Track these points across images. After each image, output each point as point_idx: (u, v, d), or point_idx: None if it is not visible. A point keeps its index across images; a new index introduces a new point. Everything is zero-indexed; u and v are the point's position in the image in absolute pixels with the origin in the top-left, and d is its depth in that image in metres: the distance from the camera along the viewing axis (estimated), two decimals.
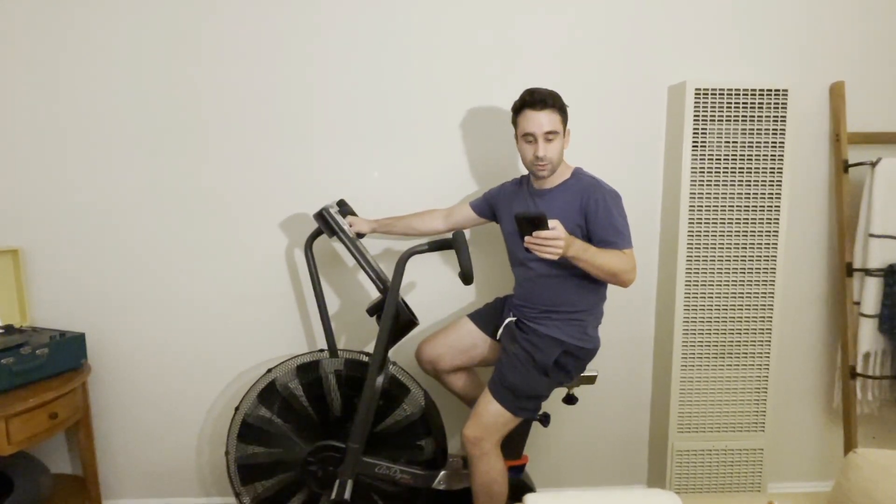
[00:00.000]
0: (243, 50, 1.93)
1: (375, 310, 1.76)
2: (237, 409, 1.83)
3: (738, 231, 2.00)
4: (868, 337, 2.03)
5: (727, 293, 2.03)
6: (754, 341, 2.05)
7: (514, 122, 1.64)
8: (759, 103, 1.94)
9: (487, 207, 1.85)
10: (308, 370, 1.82)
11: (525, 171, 1.76)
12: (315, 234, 1.85)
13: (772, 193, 1.98)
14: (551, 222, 1.36)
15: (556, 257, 1.39)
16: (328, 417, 1.83)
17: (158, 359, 2.05)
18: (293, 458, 1.81)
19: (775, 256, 2.01)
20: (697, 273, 2.01)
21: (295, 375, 1.82)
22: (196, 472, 2.13)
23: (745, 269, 2.02)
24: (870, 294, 2.01)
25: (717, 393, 2.07)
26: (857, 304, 2.05)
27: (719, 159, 1.96)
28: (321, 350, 1.89)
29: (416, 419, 1.84)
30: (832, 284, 2.17)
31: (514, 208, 1.73)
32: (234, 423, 1.83)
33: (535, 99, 1.56)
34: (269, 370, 1.84)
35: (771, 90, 1.93)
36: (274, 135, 1.98)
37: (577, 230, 1.59)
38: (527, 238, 1.38)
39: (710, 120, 1.94)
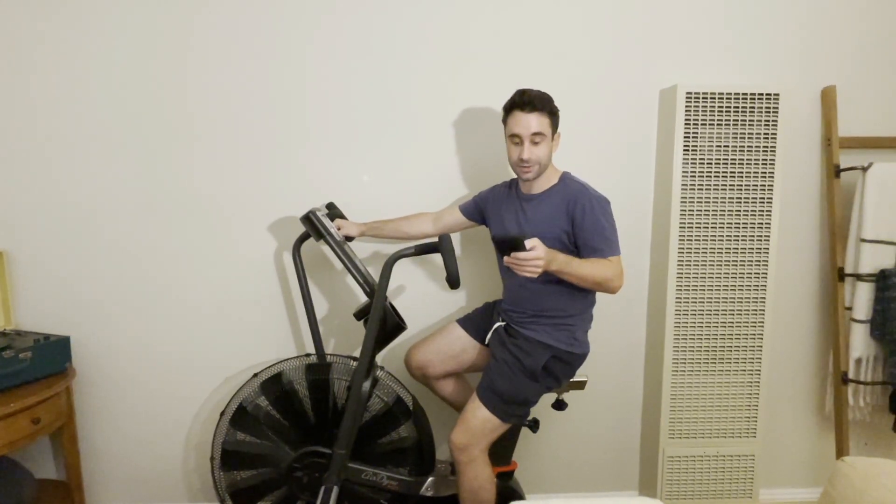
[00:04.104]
0: (233, 51, 1.92)
1: (363, 314, 1.74)
2: (223, 413, 1.81)
3: (730, 235, 1.99)
4: (860, 342, 2.02)
5: (718, 298, 2.02)
6: (745, 346, 2.04)
7: (504, 122, 1.64)
8: (751, 107, 1.93)
9: (477, 211, 1.84)
10: (317, 371, 1.82)
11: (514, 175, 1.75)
12: (303, 238, 1.84)
13: (763, 198, 1.97)
14: (529, 242, 1.36)
15: (535, 276, 1.39)
16: (323, 421, 1.82)
17: (145, 363, 2.03)
18: (279, 456, 1.79)
19: (766, 261, 2.00)
20: (688, 277, 2.00)
21: (303, 374, 1.81)
22: (182, 478, 2.11)
23: (736, 273, 2.00)
24: (861, 299, 2.00)
25: (709, 399, 2.06)
26: (849, 309, 2.05)
27: (710, 163, 1.95)
28: (307, 354, 1.87)
29: (408, 445, 1.84)
30: (823, 289, 2.16)
31: (502, 213, 1.72)
32: (219, 427, 1.81)
33: (525, 100, 1.56)
34: (256, 374, 1.82)
35: (762, 94, 1.92)
36: (263, 136, 1.96)
37: (564, 236, 1.58)
38: (506, 259, 1.39)
39: (702, 124, 1.93)
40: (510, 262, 1.38)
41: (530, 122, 1.56)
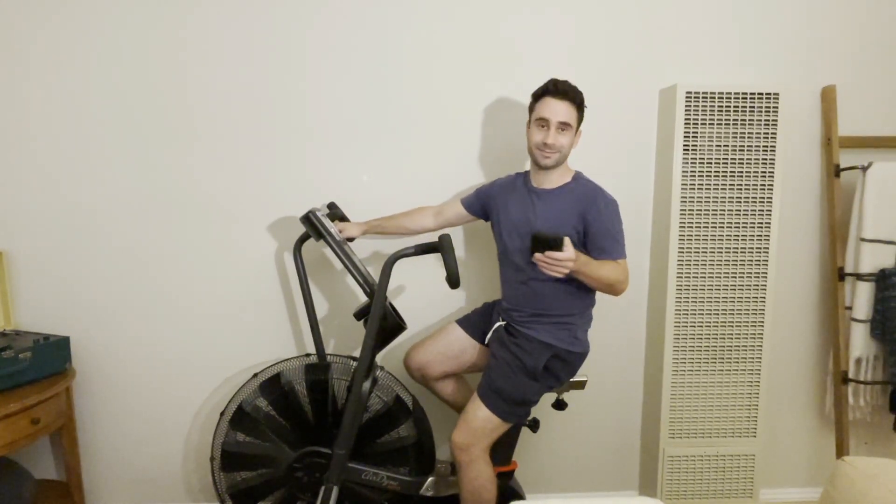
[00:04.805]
0: (233, 51, 1.92)
1: (363, 314, 1.74)
2: (222, 413, 1.81)
3: (730, 235, 1.99)
4: (860, 342, 2.02)
5: (718, 297, 2.02)
6: (746, 346, 2.04)
7: (531, 108, 1.65)
8: (751, 107, 1.93)
9: (479, 205, 1.84)
10: (317, 371, 1.82)
11: (520, 170, 1.75)
12: (304, 238, 1.83)
13: (763, 197, 1.97)
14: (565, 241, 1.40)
15: (561, 276, 1.43)
16: (323, 421, 1.81)
17: (144, 363, 2.03)
18: (279, 456, 1.79)
19: (766, 261, 2.00)
20: (688, 277, 2.00)
21: (303, 375, 1.81)
22: (182, 478, 2.11)
23: (736, 273, 2.00)
24: (861, 299, 2.00)
25: (709, 398, 2.06)
26: (849, 308, 2.04)
27: (710, 163, 1.95)
28: (307, 355, 1.87)
29: (409, 445, 1.84)
30: (823, 289, 2.16)
31: (509, 205, 1.72)
32: (219, 427, 1.81)
33: (559, 89, 1.59)
34: (255, 375, 1.82)
35: (762, 94, 1.92)
36: (263, 136, 1.96)
37: (574, 234, 1.59)
38: (536, 255, 1.41)
39: (702, 123, 1.93)
40: (541, 258, 1.41)
41: (560, 109, 1.58)
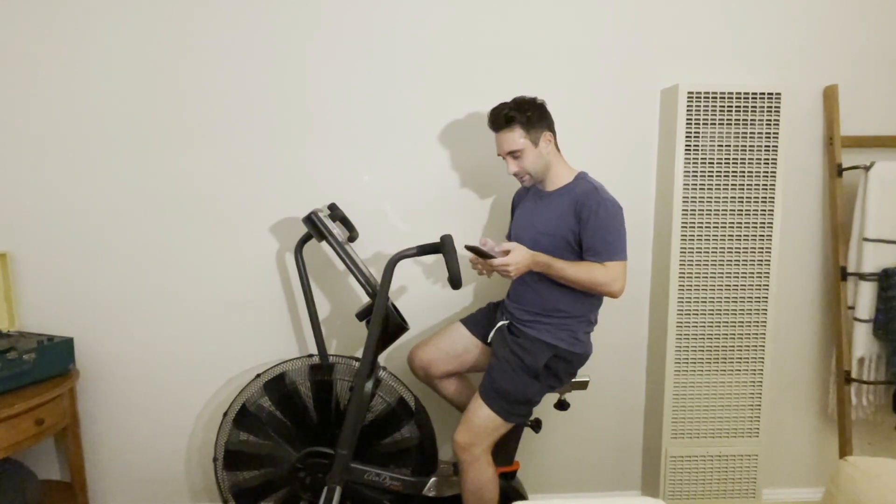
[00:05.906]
0: (233, 51, 1.92)
1: (365, 314, 1.74)
2: (226, 413, 1.81)
3: (732, 235, 1.98)
4: (862, 342, 2.01)
5: (721, 298, 2.01)
6: (748, 346, 2.04)
7: None
8: (753, 106, 1.93)
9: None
10: (319, 372, 1.83)
11: None
12: (305, 239, 1.84)
13: (765, 197, 1.97)
14: (507, 245, 1.52)
15: (511, 278, 1.54)
16: (325, 421, 1.82)
17: (148, 364, 2.03)
18: (282, 456, 1.79)
19: (769, 261, 2.00)
20: (690, 277, 2.00)
21: (306, 375, 1.82)
22: (185, 479, 2.11)
23: (738, 273, 2.00)
24: (864, 298, 1.99)
25: (711, 398, 2.06)
26: (852, 308, 2.04)
27: (712, 163, 1.95)
28: (310, 355, 1.88)
29: (411, 445, 1.85)
30: (826, 289, 2.16)
31: (521, 209, 1.78)
32: (222, 427, 1.81)
33: (492, 120, 1.64)
34: (258, 375, 1.83)
35: (764, 93, 1.92)
36: (265, 137, 1.97)
37: (571, 235, 1.59)
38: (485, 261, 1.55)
39: (703, 123, 1.93)
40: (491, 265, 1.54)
41: (503, 140, 1.63)
